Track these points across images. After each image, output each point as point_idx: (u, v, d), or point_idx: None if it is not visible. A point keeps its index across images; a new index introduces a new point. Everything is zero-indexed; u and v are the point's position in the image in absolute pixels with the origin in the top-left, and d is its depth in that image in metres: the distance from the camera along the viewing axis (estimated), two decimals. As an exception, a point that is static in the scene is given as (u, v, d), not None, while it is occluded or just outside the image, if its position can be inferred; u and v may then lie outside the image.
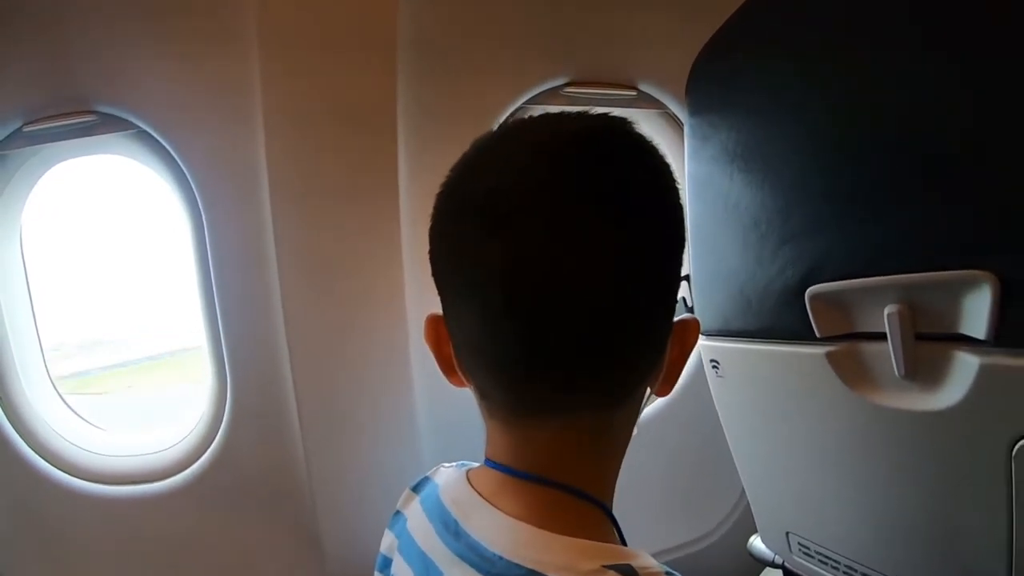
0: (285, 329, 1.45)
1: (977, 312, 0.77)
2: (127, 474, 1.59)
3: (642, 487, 1.85)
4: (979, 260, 0.76)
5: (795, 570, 1.31)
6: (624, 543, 0.73)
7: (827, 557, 1.18)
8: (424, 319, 0.78)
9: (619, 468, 0.78)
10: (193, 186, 1.47)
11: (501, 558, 0.66)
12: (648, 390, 0.77)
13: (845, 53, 0.92)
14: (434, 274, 0.73)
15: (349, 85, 1.42)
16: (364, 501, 1.48)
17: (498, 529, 0.69)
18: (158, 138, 1.46)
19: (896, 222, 0.85)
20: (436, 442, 1.57)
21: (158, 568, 1.57)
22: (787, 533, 1.26)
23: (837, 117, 0.93)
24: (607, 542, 0.67)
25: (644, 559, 0.63)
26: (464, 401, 0.78)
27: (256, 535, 1.59)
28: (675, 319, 0.75)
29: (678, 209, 0.72)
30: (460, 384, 0.78)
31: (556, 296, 0.63)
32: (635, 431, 0.80)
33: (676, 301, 0.74)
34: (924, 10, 0.81)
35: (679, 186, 0.72)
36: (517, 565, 0.64)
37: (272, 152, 1.37)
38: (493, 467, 0.75)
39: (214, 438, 1.57)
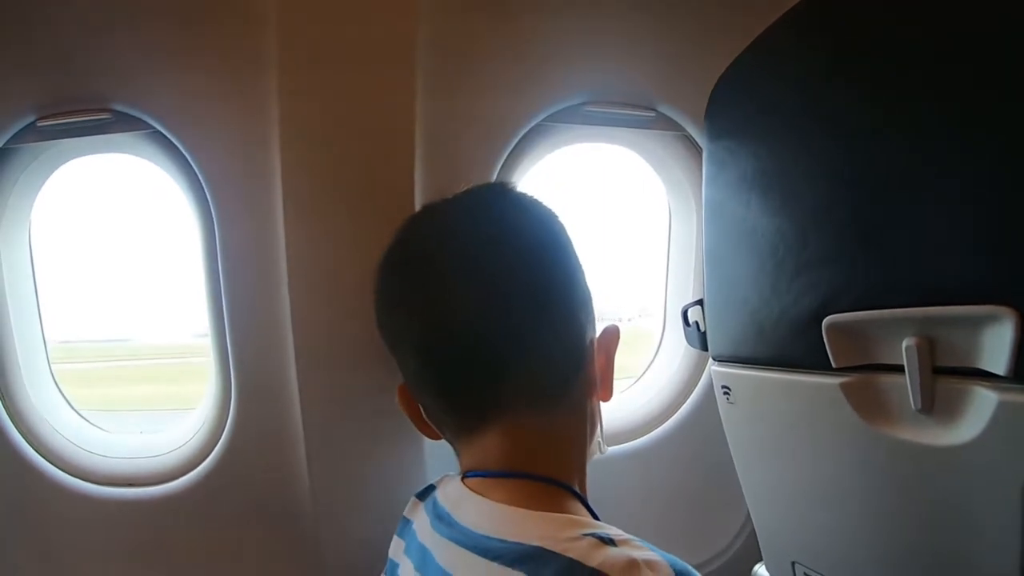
0: (292, 338, 1.44)
1: (998, 347, 0.76)
2: (128, 476, 1.58)
3: (646, 511, 1.85)
4: (1001, 295, 0.75)
5: (799, 600, 1.30)
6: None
7: (834, 589, 1.16)
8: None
9: (583, 465, 0.94)
10: (206, 191, 1.46)
11: (486, 536, 0.76)
12: (594, 399, 0.95)
13: (862, 85, 0.91)
14: (380, 331, 0.99)
15: (367, 101, 1.42)
16: (366, 512, 1.47)
17: (485, 513, 0.80)
18: (173, 140, 1.45)
19: (916, 254, 0.84)
20: (439, 455, 1.57)
21: (155, 572, 1.56)
22: (793, 563, 1.24)
23: (855, 148, 0.92)
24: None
25: (619, 531, 0.72)
26: None
27: (256, 543, 1.58)
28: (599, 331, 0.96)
29: (558, 243, 0.94)
30: (435, 437, 0.99)
31: (456, 324, 0.86)
32: (603, 444, 1.00)
33: (584, 317, 0.93)
34: (941, 44, 0.81)
35: (560, 224, 0.96)
36: (500, 540, 0.74)
37: (287, 164, 1.37)
38: (475, 476, 0.88)
39: (216, 444, 1.56)
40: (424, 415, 0.98)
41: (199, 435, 1.60)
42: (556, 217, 0.95)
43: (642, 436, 1.87)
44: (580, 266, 0.94)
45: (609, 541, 0.68)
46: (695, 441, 1.81)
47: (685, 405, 1.90)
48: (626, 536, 0.71)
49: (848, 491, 1.06)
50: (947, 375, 0.84)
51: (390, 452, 1.53)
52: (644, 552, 0.67)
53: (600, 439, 0.98)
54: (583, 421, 0.92)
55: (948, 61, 0.80)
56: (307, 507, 1.52)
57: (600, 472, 0.90)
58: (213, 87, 1.41)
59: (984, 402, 0.79)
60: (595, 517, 0.84)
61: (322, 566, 1.54)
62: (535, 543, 0.70)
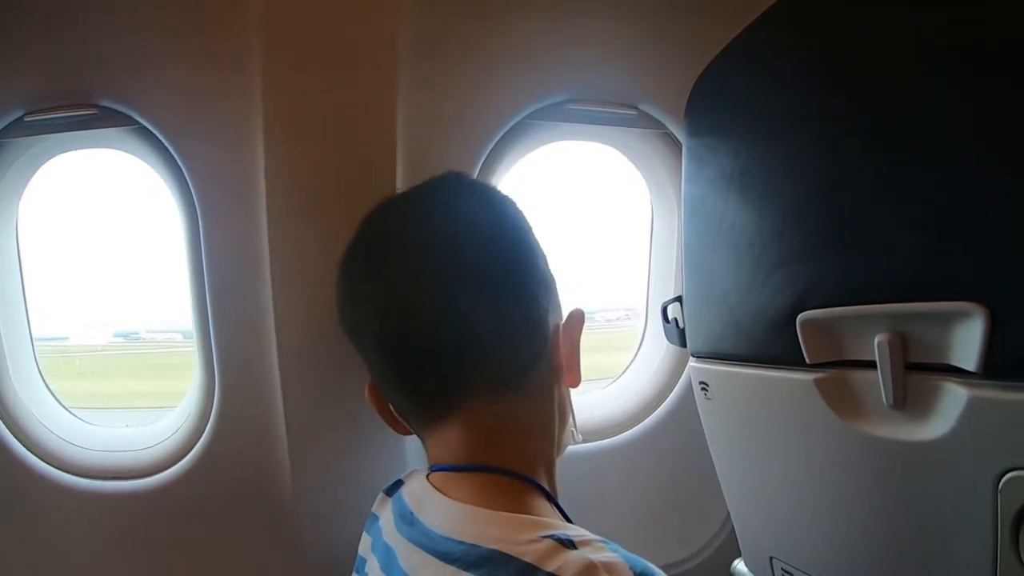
0: (275, 335, 1.44)
1: (968, 344, 0.77)
2: (112, 469, 1.58)
3: (626, 507, 1.85)
4: (971, 292, 0.76)
5: (778, 596, 1.31)
6: (567, 519, 0.83)
7: (811, 584, 1.17)
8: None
9: (552, 455, 0.93)
10: (191, 186, 1.46)
11: (446, 538, 0.75)
12: (561, 384, 0.94)
13: (837, 84, 0.93)
14: (342, 328, 0.99)
15: (350, 99, 1.42)
16: (347, 507, 1.47)
17: (444, 513, 0.80)
18: (159, 136, 1.45)
19: (889, 251, 0.85)
20: (420, 451, 1.58)
21: (137, 564, 1.56)
22: (771, 558, 1.25)
23: (831, 147, 0.93)
24: (544, 516, 0.77)
25: (580, 531, 0.72)
26: None
27: (238, 536, 1.58)
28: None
29: (513, 229, 0.94)
30: (404, 433, 1.00)
31: (412, 314, 0.86)
32: (577, 433, 0.99)
33: (543, 300, 0.92)
34: (912, 45, 0.82)
35: (516, 210, 0.96)
36: (459, 542, 0.73)
37: (271, 160, 1.37)
38: (439, 470, 0.87)
39: (199, 438, 1.56)
40: (393, 410, 0.98)
41: (183, 429, 1.60)
42: (512, 203, 0.96)
43: (623, 432, 1.88)
44: (540, 251, 0.94)
45: (568, 543, 0.67)
46: (676, 437, 1.81)
47: (666, 402, 1.91)
48: (588, 537, 0.70)
49: (823, 486, 1.07)
50: (919, 371, 0.85)
51: (371, 448, 1.53)
52: (604, 554, 0.67)
53: (574, 427, 0.97)
54: (549, 409, 0.92)
55: (919, 61, 0.81)
56: (289, 501, 1.52)
57: (581, 468, 0.90)
58: (199, 84, 1.41)
59: (955, 398, 0.80)
60: (561, 511, 0.84)
61: (304, 559, 1.54)
62: (492, 546, 0.69)
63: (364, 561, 0.96)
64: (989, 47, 0.74)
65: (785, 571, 1.23)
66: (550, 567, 0.65)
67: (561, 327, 0.93)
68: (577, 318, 0.94)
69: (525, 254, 0.92)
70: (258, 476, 1.54)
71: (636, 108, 1.77)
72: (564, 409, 0.94)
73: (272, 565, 1.59)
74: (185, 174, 1.45)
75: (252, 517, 1.58)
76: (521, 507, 0.77)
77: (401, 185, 1.46)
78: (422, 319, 0.85)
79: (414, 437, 1.58)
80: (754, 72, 1.09)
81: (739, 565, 1.45)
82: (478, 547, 0.70)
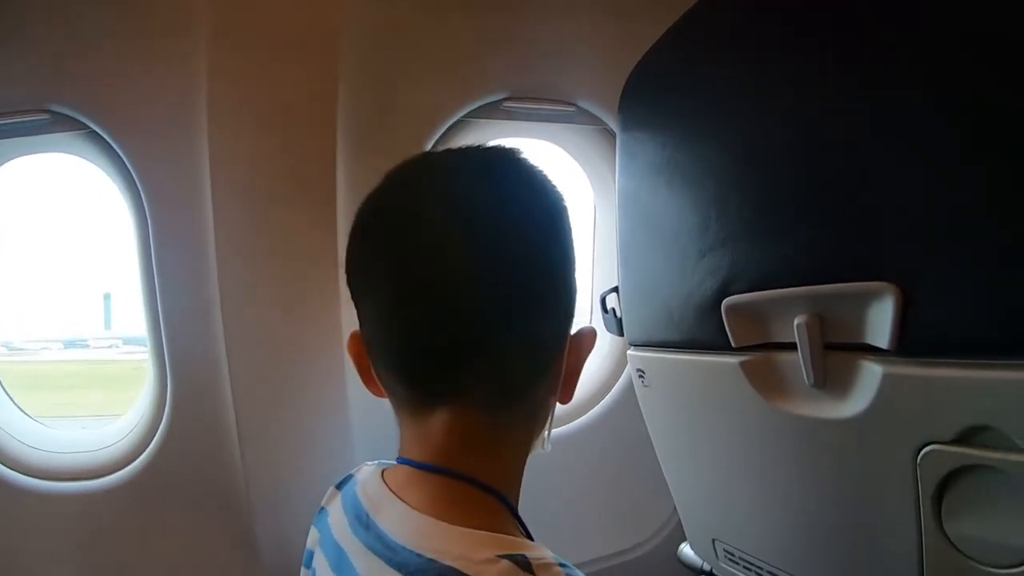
0: (224, 332, 1.45)
1: (881, 322, 0.80)
2: (67, 471, 1.59)
3: (583, 493, 1.88)
4: (882, 272, 0.78)
5: (721, 576, 1.33)
6: (529, 536, 0.77)
7: (751, 563, 1.20)
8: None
9: (522, 466, 0.85)
10: (140, 188, 1.47)
11: (404, 547, 0.71)
12: (552, 399, 0.85)
13: (759, 81, 0.95)
14: (348, 284, 0.82)
15: (292, 94, 1.44)
16: (298, 502, 1.48)
17: (403, 521, 0.74)
18: (107, 139, 1.46)
19: (805, 236, 0.88)
20: (368, 445, 1.59)
21: (93, 564, 1.57)
22: (713, 540, 1.28)
23: (751, 139, 0.96)
24: (505, 533, 0.71)
25: (539, 551, 0.67)
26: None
27: (193, 533, 1.59)
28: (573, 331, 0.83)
29: (561, 228, 0.81)
30: (379, 394, 0.85)
31: (435, 287, 0.73)
32: (549, 442, 0.88)
33: (568, 312, 0.82)
34: (833, 46, 0.85)
35: (564, 207, 0.83)
36: (417, 554, 0.69)
37: (216, 157, 1.38)
38: (403, 463, 0.81)
39: (153, 437, 1.57)
40: (374, 374, 0.86)
41: (138, 427, 1.61)
42: (563, 199, 0.84)
43: (571, 421, 1.90)
44: (575, 256, 0.85)
45: (526, 566, 0.64)
46: (624, 425, 1.83)
47: (613, 390, 1.94)
48: (548, 560, 0.66)
49: (754, 467, 1.10)
50: (837, 351, 0.88)
51: (319, 442, 1.55)
52: None
53: (546, 436, 0.89)
54: (534, 423, 0.85)
55: (829, 54, 0.84)
56: (241, 495, 1.53)
57: (532, 457, 0.88)
58: (147, 88, 1.42)
59: (871, 375, 0.83)
60: (522, 525, 0.80)
61: (256, 550, 1.56)
62: (448, 563, 0.66)
63: (312, 555, 0.93)
64: (889, 37, 0.77)
65: (727, 552, 1.25)
66: None
67: (570, 342, 0.84)
68: (589, 336, 0.85)
69: (567, 262, 0.82)
70: (211, 472, 1.55)
71: (574, 105, 1.79)
72: (544, 420, 0.87)
73: (226, 556, 1.60)
74: (134, 177, 1.45)
75: (206, 512, 1.59)
76: (481, 522, 0.72)
77: (341, 181, 1.47)
78: (449, 301, 0.74)
79: (363, 432, 1.60)
80: (681, 68, 1.11)
81: (685, 548, 1.47)
82: (435, 562, 0.67)
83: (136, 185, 1.47)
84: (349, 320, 1.51)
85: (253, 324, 1.48)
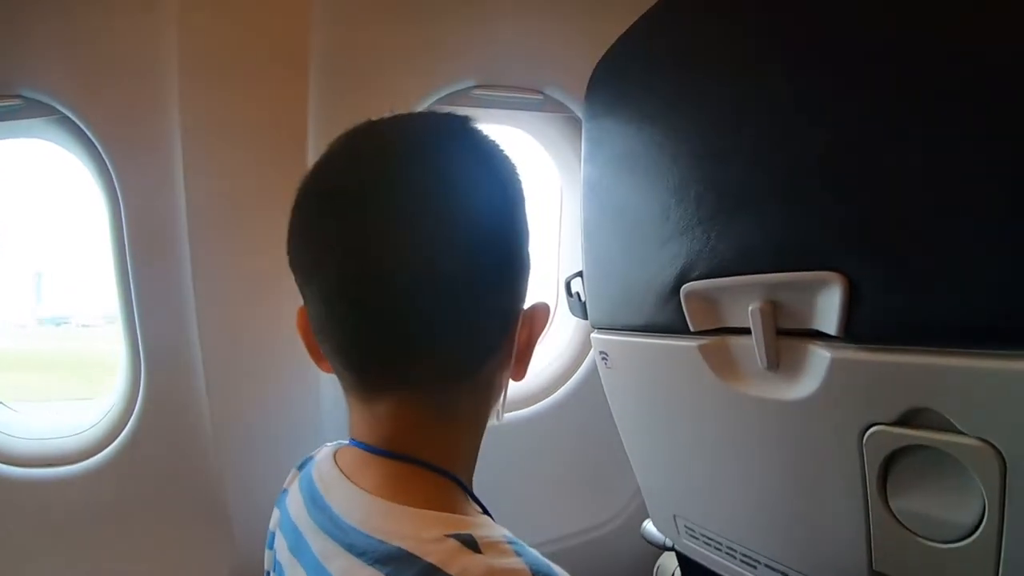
0: (197, 318, 1.46)
1: (829, 310, 0.84)
2: (40, 456, 1.58)
3: (548, 473, 1.91)
4: (831, 262, 0.82)
5: (684, 552, 1.37)
6: (487, 512, 0.77)
7: (710, 539, 1.23)
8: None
9: (477, 444, 0.84)
10: (113, 174, 1.47)
11: (355, 529, 0.71)
12: (504, 374, 0.83)
13: (718, 75, 0.98)
14: (290, 265, 0.79)
15: (263, 79, 1.45)
16: (270, 487, 1.49)
17: (353, 502, 0.74)
18: (80, 124, 1.46)
19: (759, 226, 0.91)
20: (339, 430, 1.61)
21: (66, 551, 1.57)
22: (674, 517, 1.32)
23: (709, 130, 0.99)
24: (458, 512, 0.70)
25: (488, 529, 0.67)
26: None
27: (168, 518, 1.59)
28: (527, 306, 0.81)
29: (512, 202, 0.79)
30: (329, 371, 0.83)
31: (377, 279, 0.69)
32: (502, 414, 0.87)
33: (520, 288, 0.80)
34: (786, 42, 0.88)
35: (518, 179, 0.79)
36: (367, 535, 0.69)
37: (188, 145, 1.39)
38: (354, 445, 0.80)
39: (128, 421, 1.58)
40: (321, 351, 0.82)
41: (111, 413, 1.60)
42: (516, 170, 0.80)
43: (538, 403, 1.93)
44: (528, 230, 0.81)
45: (473, 545, 0.64)
46: (588, 407, 1.86)
47: (577, 373, 1.97)
48: (495, 538, 0.66)
49: (712, 447, 1.13)
50: (789, 336, 0.92)
51: (291, 424, 1.57)
52: (506, 559, 0.64)
53: (500, 408, 0.87)
54: (487, 401, 0.83)
55: (788, 46, 0.88)
56: (215, 484, 1.55)
57: (498, 438, 0.87)
58: (120, 75, 1.42)
59: (819, 359, 0.87)
60: (476, 501, 0.79)
61: (231, 541, 1.57)
62: (397, 543, 0.66)
63: (274, 536, 0.92)
64: (844, 33, 0.81)
65: (687, 528, 1.29)
66: (452, 570, 0.62)
67: (523, 317, 0.81)
68: (542, 312, 0.83)
69: (519, 238, 0.80)
70: (185, 456, 1.56)
71: (542, 93, 1.81)
72: (498, 395, 0.85)
73: (200, 542, 1.60)
74: (106, 161, 1.45)
75: (180, 496, 1.59)
76: (431, 502, 0.71)
77: (312, 163, 1.49)
78: (393, 282, 0.70)
79: (334, 413, 1.62)
80: (646, 59, 1.13)
81: (648, 525, 1.51)
82: (384, 543, 0.67)
83: (108, 169, 1.48)
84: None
85: (225, 308, 1.49)
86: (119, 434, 1.57)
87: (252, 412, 1.55)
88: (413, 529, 0.67)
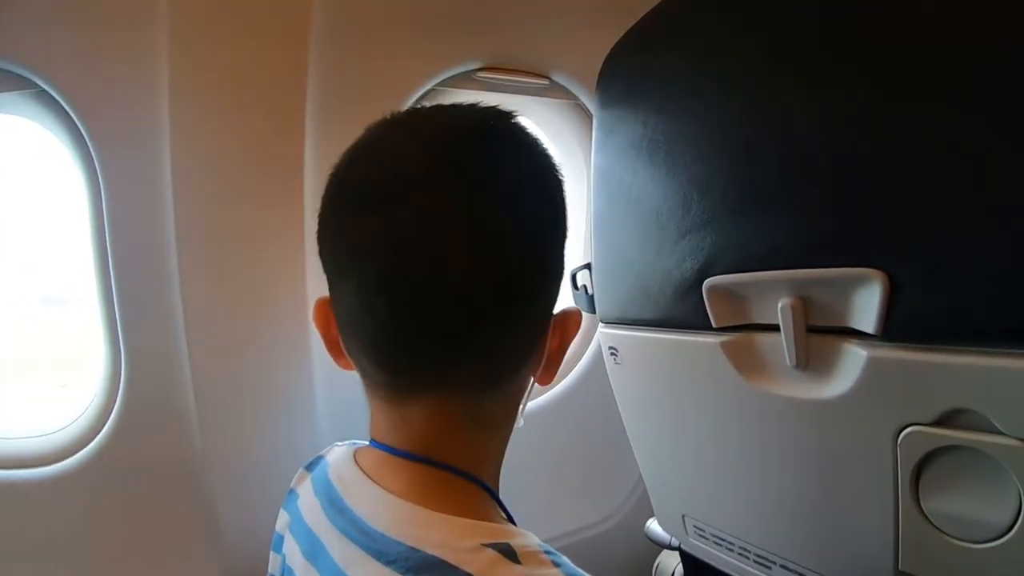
0: (182, 308, 1.43)
1: (867, 308, 0.81)
2: (15, 458, 1.52)
3: (544, 470, 1.88)
4: (871, 259, 0.80)
5: (691, 552, 1.36)
6: (512, 522, 0.75)
7: (721, 539, 1.22)
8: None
9: (503, 450, 0.83)
10: (93, 152, 1.41)
11: (383, 535, 0.68)
12: (532, 378, 0.81)
13: (744, 62, 0.95)
14: (320, 255, 0.76)
15: (259, 64, 1.41)
16: (261, 484, 1.47)
17: (379, 506, 0.72)
18: (60, 101, 1.39)
19: (791, 220, 0.89)
20: (333, 425, 1.58)
21: (46, 556, 1.51)
22: (683, 516, 1.30)
23: (737, 120, 0.96)
24: (487, 519, 0.69)
25: (524, 538, 0.65)
26: (360, 384, 0.80)
27: (152, 520, 1.55)
28: (557, 310, 0.79)
29: (556, 202, 0.77)
30: (348, 367, 0.81)
31: (423, 276, 0.66)
32: (522, 417, 0.85)
33: (556, 292, 0.78)
34: (822, 28, 0.86)
35: (561, 179, 0.78)
36: (397, 541, 0.66)
37: (176, 124, 1.36)
38: (376, 447, 0.77)
39: (107, 419, 1.52)
40: (341, 345, 0.80)
41: (89, 410, 1.56)
42: (560, 171, 0.79)
43: (536, 399, 1.91)
44: (567, 232, 0.80)
45: (512, 556, 0.62)
46: (588, 402, 1.85)
47: (576, 368, 1.95)
48: (533, 548, 0.64)
49: (731, 446, 1.11)
50: (820, 333, 0.89)
51: (284, 426, 1.53)
52: (545, 570, 0.62)
53: (521, 412, 0.85)
54: (515, 407, 0.82)
55: (828, 38, 0.85)
56: (202, 484, 1.51)
57: None
58: (101, 46, 1.36)
59: (854, 358, 0.85)
60: (504, 510, 0.78)
61: (220, 542, 1.54)
62: (432, 551, 0.64)
63: (281, 539, 0.90)
64: (874, 22, 0.78)
65: (697, 528, 1.27)
66: None
67: (554, 322, 0.80)
68: (575, 317, 0.82)
69: (561, 243, 0.79)
70: (169, 456, 1.52)
71: (548, 78, 1.79)
72: (522, 399, 0.84)
73: (188, 543, 1.57)
74: (87, 139, 1.40)
75: (165, 497, 1.55)
76: (462, 508, 0.69)
77: (309, 149, 1.45)
78: (439, 281, 0.67)
79: (327, 412, 1.59)
80: (668, 44, 1.11)
81: (652, 524, 1.50)
82: (417, 551, 0.64)
83: (88, 147, 1.41)
84: (315, 293, 1.50)
85: (214, 301, 1.46)
86: (98, 433, 1.52)
87: (242, 408, 1.52)
88: (447, 537, 0.65)
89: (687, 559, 1.44)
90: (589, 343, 1.89)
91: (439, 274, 0.67)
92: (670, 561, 1.64)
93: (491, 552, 0.62)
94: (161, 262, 1.42)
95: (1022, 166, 0.68)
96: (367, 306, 0.70)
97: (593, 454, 1.91)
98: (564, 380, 1.98)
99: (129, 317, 1.46)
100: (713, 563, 1.28)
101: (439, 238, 0.66)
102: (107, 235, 1.43)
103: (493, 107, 0.75)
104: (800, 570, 1.08)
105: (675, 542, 1.41)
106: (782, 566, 1.11)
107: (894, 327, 0.80)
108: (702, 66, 1.02)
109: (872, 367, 0.83)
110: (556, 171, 0.78)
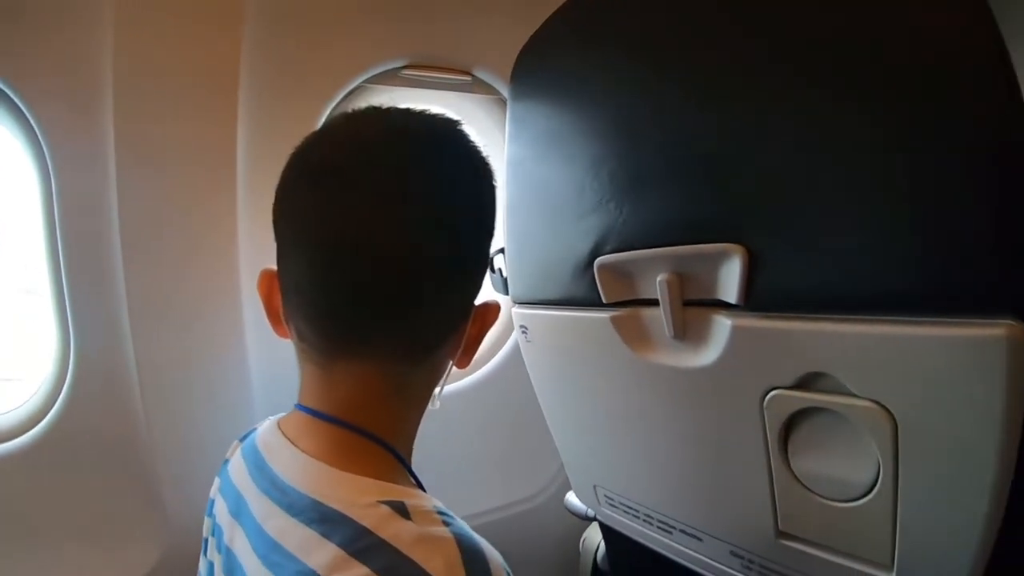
0: (125, 288, 1.46)
1: (731, 280, 0.88)
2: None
3: (473, 449, 1.93)
4: (732, 234, 0.86)
5: (605, 521, 1.41)
6: (420, 484, 0.82)
7: (629, 507, 1.27)
8: (257, 277, 0.89)
9: (418, 423, 0.89)
10: (42, 141, 1.44)
11: (295, 490, 0.75)
12: (451, 360, 0.90)
13: (633, 58, 1.01)
14: (275, 226, 0.83)
15: (195, 55, 1.44)
16: (202, 459, 1.50)
17: (295, 466, 0.78)
18: (10, 93, 1.41)
19: (667, 201, 0.95)
20: (268, 399, 1.62)
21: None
22: (595, 487, 1.35)
23: (623, 111, 1.02)
24: (393, 483, 0.74)
25: (421, 500, 0.72)
26: (293, 364, 0.87)
27: (96, 497, 1.57)
28: (479, 302, 0.89)
29: (485, 204, 0.87)
30: (284, 335, 0.88)
31: (366, 252, 0.74)
32: (438, 399, 0.92)
33: (479, 282, 0.88)
34: (691, 29, 0.92)
35: (494, 185, 0.88)
36: (306, 496, 0.73)
37: (120, 113, 1.38)
38: (302, 410, 0.83)
39: (56, 400, 1.55)
40: (281, 315, 0.87)
41: (40, 392, 1.58)
42: (494, 176, 0.89)
43: (465, 378, 1.96)
44: (494, 231, 0.90)
45: (404, 512, 0.69)
46: (515, 383, 1.88)
47: (504, 348, 2.00)
48: (427, 508, 0.71)
49: (626, 416, 1.17)
50: (695, 306, 0.96)
51: (223, 401, 1.57)
52: (435, 528, 0.68)
53: (438, 393, 0.93)
54: (434, 383, 0.90)
55: (700, 40, 0.91)
56: (146, 460, 1.55)
57: (430, 413, 0.92)
58: (49, 38, 1.39)
59: (722, 328, 0.92)
60: (413, 476, 0.84)
61: (163, 517, 1.57)
62: (334, 506, 0.70)
63: (213, 503, 0.96)
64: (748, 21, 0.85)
65: (607, 497, 1.33)
66: (384, 534, 0.66)
67: (475, 312, 0.89)
68: (494, 309, 0.92)
69: (488, 236, 0.89)
70: (116, 434, 1.54)
71: (470, 74, 1.83)
72: (440, 379, 0.92)
73: (133, 518, 1.59)
74: (35, 128, 1.43)
75: (111, 475, 1.57)
76: (370, 470, 0.76)
77: (242, 141, 1.49)
78: (379, 251, 0.75)
79: (262, 387, 1.63)
80: (568, 41, 1.16)
81: (570, 496, 1.55)
82: (322, 505, 0.71)
83: (38, 136, 1.44)
84: (248, 276, 1.55)
85: (154, 282, 1.48)
86: (47, 413, 1.55)
87: (183, 388, 1.55)
88: (350, 494, 0.71)
89: (604, 529, 1.48)
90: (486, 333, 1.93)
91: (380, 251, 0.74)
92: (596, 534, 1.69)
93: (385, 508, 0.68)
94: (107, 249, 1.45)
95: (863, 146, 0.74)
96: (313, 274, 0.78)
97: (523, 432, 1.93)
98: (494, 359, 2.04)
99: (77, 301, 1.49)
100: (626, 532, 1.33)
101: (382, 220, 0.75)
102: (57, 224, 1.46)
103: (443, 115, 0.85)
104: (697, 534, 1.14)
105: (591, 513, 1.46)
106: (682, 531, 1.17)
107: (755, 297, 0.86)
108: (597, 61, 1.08)
109: (737, 335, 0.90)
110: (490, 176, 0.88)
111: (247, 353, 1.60)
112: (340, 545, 0.67)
